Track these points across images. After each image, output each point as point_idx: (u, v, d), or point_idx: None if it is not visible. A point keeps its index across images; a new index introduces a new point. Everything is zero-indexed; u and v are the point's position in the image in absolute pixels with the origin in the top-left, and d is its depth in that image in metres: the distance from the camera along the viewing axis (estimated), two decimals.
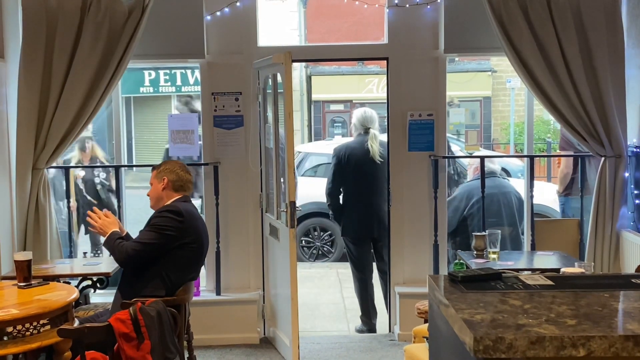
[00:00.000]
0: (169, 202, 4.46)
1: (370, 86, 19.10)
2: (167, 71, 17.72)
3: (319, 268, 8.81)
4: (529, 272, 4.85)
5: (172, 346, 3.81)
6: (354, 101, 19.62)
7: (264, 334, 6.06)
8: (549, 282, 2.44)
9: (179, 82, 18.04)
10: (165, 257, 4.29)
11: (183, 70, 17.70)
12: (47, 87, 5.55)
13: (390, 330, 6.17)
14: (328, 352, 5.74)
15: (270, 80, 5.70)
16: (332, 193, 6.47)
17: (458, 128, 9.85)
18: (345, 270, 8.76)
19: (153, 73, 17.65)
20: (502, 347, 1.88)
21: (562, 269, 4.12)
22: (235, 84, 5.95)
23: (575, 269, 3.98)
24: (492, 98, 19.60)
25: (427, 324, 4.56)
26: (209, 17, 5.85)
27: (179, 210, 4.36)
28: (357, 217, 6.37)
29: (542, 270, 4.93)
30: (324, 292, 7.97)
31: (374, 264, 6.59)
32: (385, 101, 6.05)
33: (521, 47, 5.56)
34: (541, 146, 16.56)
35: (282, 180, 5.47)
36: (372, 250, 6.50)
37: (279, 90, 5.56)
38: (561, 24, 5.53)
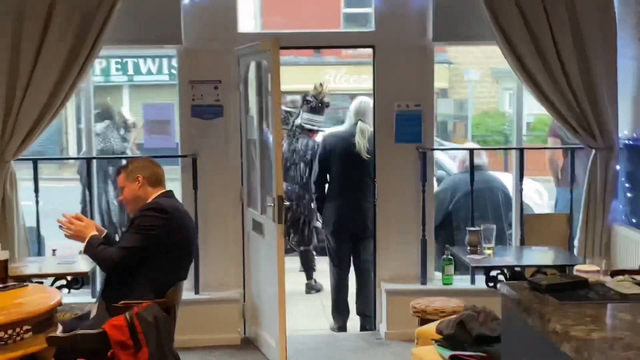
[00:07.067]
0: (150, 200, 4.19)
1: (327, 77, 18.87)
2: (119, 59, 17.27)
3: (296, 262, 8.46)
4: (540, 269, 4.75)
5: (170, 354, 3.53)
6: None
7: (244, 334, 5.80)
8: None
9: (130, 72, 17.61)
10: (152, 258, 4.01)
11: (135, 59, 17.28)
12: (15, 75, 5.22)
13: (375, 329, 5.97)
14: (315, 352, 5.53)
15: (254, 67, 5.43)
16: (316, 182, 6.29)
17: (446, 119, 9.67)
18: (323, 266, 8.44)
19: (104, 62, 17.16)
20: None
21: (576, 267, 3.98)
22: (214, 71, 5.66)
23: (591, 266, 3.84)
24: (449, 90, 19.59)
25: (430, 324, 4.38)
26: (186, 1, 5.55)
27: (163, 207, 4.11)
28: (337, 211, 6.14)
29: (543, 267, 4.83)
30: (301, 288, 7.65)
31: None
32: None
33: (513, 37, 5.41)
34: (497, 139, 16.60)
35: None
36: (350, 247, 6.28)
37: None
38: (554, 14, 5.40)
